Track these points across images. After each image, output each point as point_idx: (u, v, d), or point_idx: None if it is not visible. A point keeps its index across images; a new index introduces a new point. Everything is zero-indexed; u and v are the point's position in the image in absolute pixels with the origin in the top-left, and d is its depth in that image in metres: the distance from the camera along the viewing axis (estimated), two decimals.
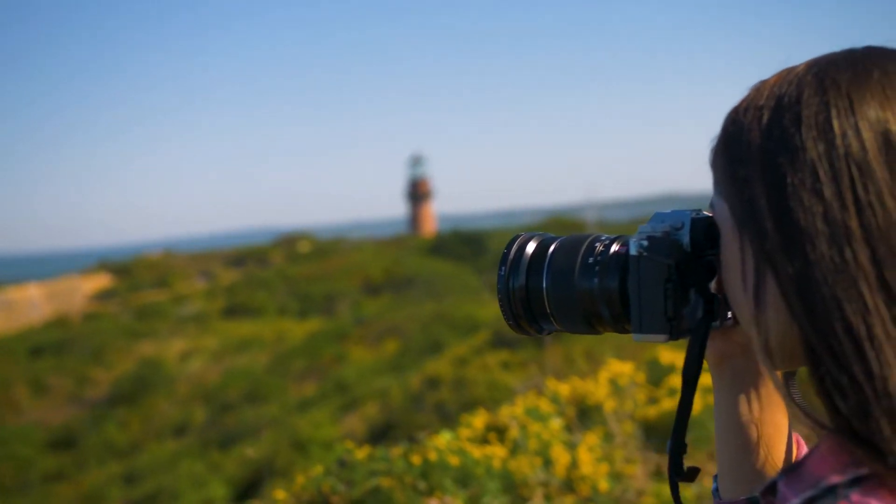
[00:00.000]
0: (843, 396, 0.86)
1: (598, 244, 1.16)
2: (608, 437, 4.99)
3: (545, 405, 4.90)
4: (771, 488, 0.93)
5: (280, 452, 17.00)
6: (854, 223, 0.87)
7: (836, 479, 0.84)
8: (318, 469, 3.92)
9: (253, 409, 21.97)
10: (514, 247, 1.22)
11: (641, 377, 5.67)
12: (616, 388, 5.39)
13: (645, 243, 1.08)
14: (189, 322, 31.71)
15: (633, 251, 1.09)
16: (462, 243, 43.93)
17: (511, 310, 1.21)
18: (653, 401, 5.55)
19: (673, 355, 6.15)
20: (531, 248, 1.21)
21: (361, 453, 3.92)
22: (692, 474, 1.11)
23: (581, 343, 15.54)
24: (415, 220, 62.82)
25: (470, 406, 15.74)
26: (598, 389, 5.32)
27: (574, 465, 4.36)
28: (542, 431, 4.54)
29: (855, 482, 0.84)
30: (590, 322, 1.16)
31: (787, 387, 1.22)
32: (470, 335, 23.70)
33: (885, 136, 0.88)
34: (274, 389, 23.48)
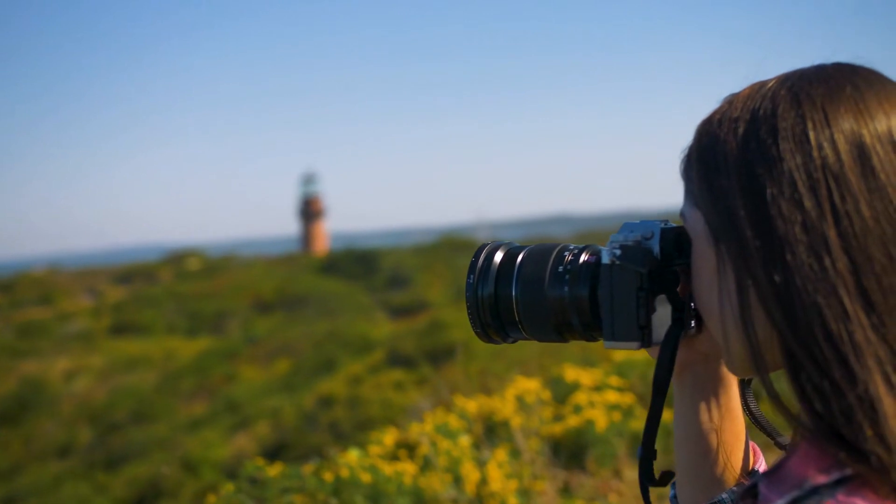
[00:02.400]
0: (825, 401, 0.88)
1: (567, 253, 1.17)
2: (515, 454, 5.02)
3: (454, 422, 4.92)
4: (751, 491, 0.94)
5: (169, 473, 16.63)
6: (832, 232, 0.89)
7: (821, 479, 0.86)
8: (228, 487, 3.85)
9: (140, 429, 21.49)
10: (482, 255, 1.22)
11: (547, 394, 5.73)
12: (523, 404, 5.43)
13: (618, 252, 1.09)
14: (74, 340, 30.87)
15: (605, 259, 1.11)
16: (355, 262, 43.81)
17: (479, 318, 1.21)
18: (558, 418, 5.60)
19: (577, 372, 6.23)
20: (499, 256, 1.22)
21: (273, 470, 3.87)
22: (665, 479, 1.12)
23: (477, 361, 15.62)
24: (307, 238, 62.39)
25: (365, 425, 15.67)
26: (504, 406, 5.35)
27: (484, 481, 4.38)
28: (452, 448, 4.55)
29: (840, 483, 0.86)
30: (559, 330, 1.17)
31: (743, 395, 1.25)
32: (364, 354, 23.62)
33: (859, 148, 0.91)
34: (162, 409, 23.02)
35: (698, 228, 1.03)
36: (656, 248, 1.09)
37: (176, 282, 39.97)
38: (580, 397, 5.66)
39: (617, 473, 5.23)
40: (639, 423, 5.52)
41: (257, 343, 29.52)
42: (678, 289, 1.09)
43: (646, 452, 1.12)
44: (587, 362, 8.09)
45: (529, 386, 5.55)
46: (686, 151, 1.05)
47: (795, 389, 0.92)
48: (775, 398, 0.95)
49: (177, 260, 46.13)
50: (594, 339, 1.18)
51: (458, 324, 22.84)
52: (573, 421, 5.38)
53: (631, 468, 5.28)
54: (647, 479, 1.12)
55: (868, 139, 0.91)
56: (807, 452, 0.89)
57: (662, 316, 1.10)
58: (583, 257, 1.16)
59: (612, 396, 5.66)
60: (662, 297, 1.09)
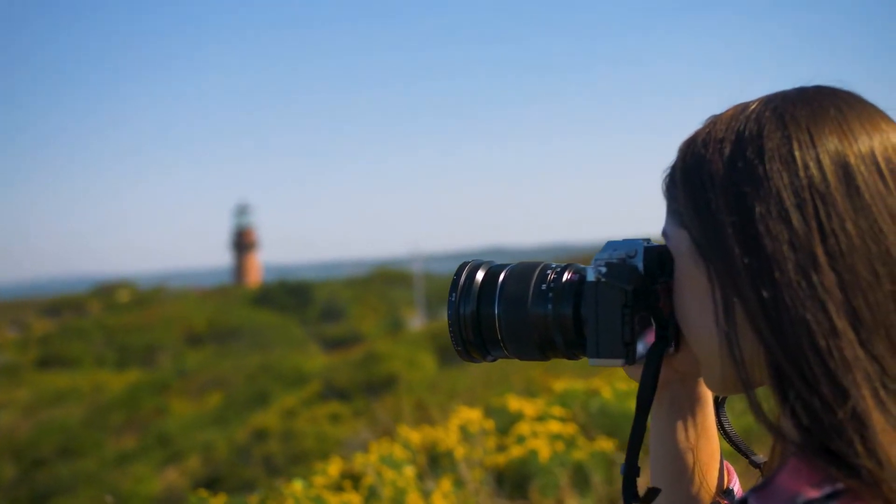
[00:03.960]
0: (815, 417, 0.89)
1: (549, 272, 1.18)
2: (459, 484, 5.01)
3: (399, 452, 4.89)
4: None
5: None
6: (820, 250, 0.91)
7: (813, 494, 0.87)
8: None
9: (67, 464, 21.01)
10: (464, 274, 1.22)
11: (491, 424, 5.73)
12: (466, 434, 5.43)
13: (603, 269, 1.10)
14: None
15: (590, 277, 1.11)
16: (288, 294, 43.52)
17: (461, 336, 1.21)
18: (502, 448, 5.60)
19: (519, 402, 6.24)
20: (480, 275, 1.22)
21: (217, 501, 3.81)
22: (650, 496, 1.12)
23: (414, 393, 15.57)
24: (239, 270, 61.87)
25: (299, 458, 15.54)
26: (448, 436, 5.34)
27: None
28: (396, 479, 4.53)
29: (831, 497, 0.87)
30: (542, 348, 1.17)
31: (717, 414, 1.26)
32: (298, 387, 23.42)
33: (844, 168, 0.93)
34: (90, 443, 22.54)
35: (682, 247, 1.04)
36: (640, 267, 1.10)
37: (105, 314, 39.34)
38: (523, 427, 5.67)
39: (560, 503, 5.24)
40: (581, 454, 5.54)
41: (188, 376, 29.14)
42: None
43: (629, 470, 1.12)
44: (529, 392, 8.12)
45: (472, 416, 5.55)
46: (669, 171, 1.07)
47: (783, 406, 0.93)
48: (762, 415, 0.96)
49: (106, 292, 45.45)
50: (576, 358, 1.19)
51: (394, 356, 22.79)
52: (516, 451, 5.39)
53: (573, 497, 5.29)
54: (632, 497, 1.12)
55: (852, 159, 0.94)
56: (797, 467, 0.90)
57: (646, 333, 1.11)
58: (566, 276, 1.17)
59: (554, 426, 5.68)
60: (646, 314, 1.10)
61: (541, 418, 5.96)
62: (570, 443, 5.68)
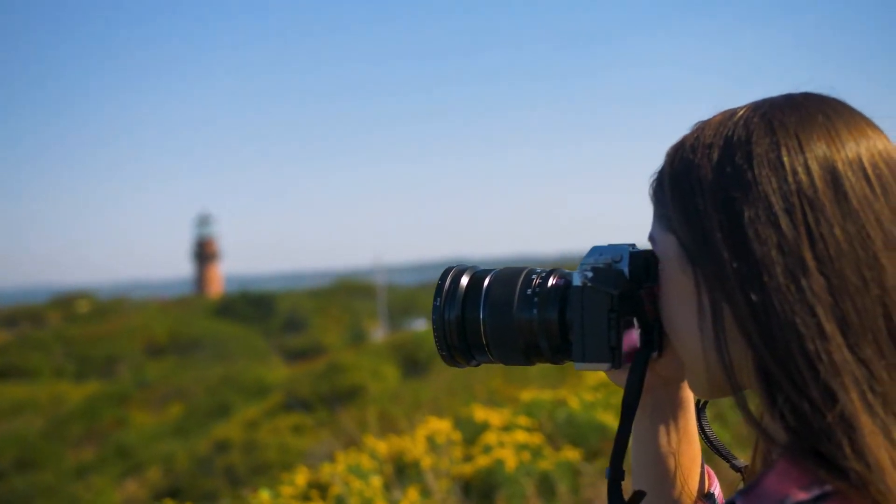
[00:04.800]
0: (804, 420, 0.89)
1: (534, 277, 1.18)
2: (426, 494, 5.00)
3: (366, 462, 4.87)
4: None
5: None
6: (808, 254, 0.92)
7: (802, 496, 0.87)
8: None
9: (25, 477, 20.74)
10: (449, 279, 1.22)
11: (457, 435, 5.72)
12: (433, 444, 5.42)
13: (590, 274, 1.10)
14: None
15: (577, 282, 1.11)
16: (250, 305, 43.32)
17: (445, 341, 1.21)
18: (468, 458, 5.60)
19: (486, 413, 6.25)
20: (465, 280, 1.21)
21: None
22: (636, 499, 1.12)
23: (377, 404, 15.54)
24: (201, 280, 61.53)
25: (261, 470, 15.46)
26: (415, 446, 5.33)
27: None
28: (364, 488, 4.51)
29: (820, 499, 0.87)
30: (527, 353, 1.17)
31: (699, 419, 1.27)
32: (259, 398, 23.31)
33: (832, 173, 0.94)
34: (49, 455, 22.28)
35: (670, 252, 1.04)
36: (626, 271, 1.10)
37: (64, 325, 38.93)
38: (489, 437, 5.67)
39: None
40: (547, 463, 5.55)
41: (149, 387, 28.92)
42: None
43: (614, 473, 1.12)
44: (493, 402, 8.12)
45: (440, 426, 5.54)
46: (657, 176, 1.07)
47: (771, 409, 0.94)
48: (752, 417, 0.96)
49: (65, 302, 44.98)
50: (561, 362, 1.19)
51: (357, 367, 22.74)
52: (483, 461, 5.39)
53: None
54: (617, 500, 1.12)
55: (840, 165, 0.95)
56: (785, 469, 0.91)
57: (632, 338, 1.11)
58: (551, 281, 1.17)
59: (521, 436, 5.69)
60: (632, 319, 1.11)
61: (507, 428, 5.97)
62: (537, 452, 5.69)
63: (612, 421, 6.06)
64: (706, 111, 1.09)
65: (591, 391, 6.74)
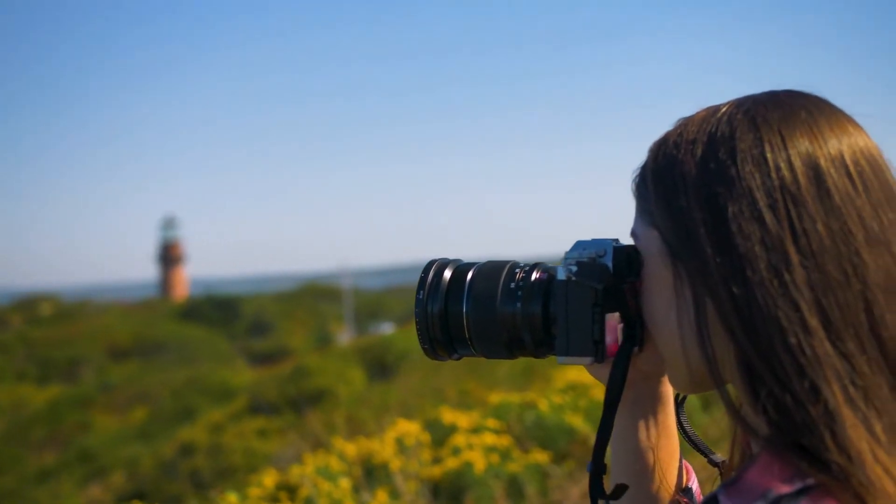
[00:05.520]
0: (786, 413, 0.90)
1: (518, 270, 1.18)
2: (395, 496, 4.99)
3: (335, 464, 4.86)
4: (710, 502, 0.96)
5: None
6: (791, 249, 0.92)
7: (784, 489, 0.88)
8: None
9: None
10: (432, 272, 1.22)
11: (427, 437, 5.72)
12: (402, 447, 5.41)
13: (574, 268, 1.11)
14: None
15: (561, 275, 1.12)
16: (215, 308, 43.12)
17: (428, 334, 1.21)
18: (437, 460, 5.60)
19: (454, 415, 6.25)
20: (448, 273, 1.21)
21: None
22: (618, 492, 1.13)
23: (342, 408, 15.49)
24: (166, 283, 61.13)
25: (227, 474, 15.36)
26: (384, 448, 5.33)
27: None
28: (333, 490, 4.50)
29: (802, 492, 0.88)
30: (510, 347, 1.18)
31: (677, 414, 1.27)
32: (225, 402, 23.17)
33: (815, 170, 0.95)
34: (10, 459, 22.03)
35: (653, 247, 1.05)
36: (610, 266, 1.11)
37: (27, 328, 38.54)
38: (458, 439, 5.67)
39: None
40: (516, 466, 5.56)
41: (113, 390, 28.68)
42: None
43: (596, 467, 1.13)
44: (461, 405, 8.12)
45: (409, 428, 5.54)
46: (639, 171, 1.08)
47: (753, 403, 0.94)
48: (735, 411, 0.97)
49: (28, 305, 44.54)
50: (544, 356, 1.19)
51: (323, 370, 22.66)
52: (452, 463, 5.39)
53: None
54: (599, 494, 1.12)
55: (823, 162, 0.96)
56: (767, 463, 0.91)
57: (615, 332, 1.12)
58: (535, 274, 1.17)
59: (489, 439, 5.70)
60: (616, 313, 1.11)
61: (476, 430, 5.98)
62: (505, 455, 5.70)
63: (580, 423, 6.08)
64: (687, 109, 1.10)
65: (560, 394, 6.76)
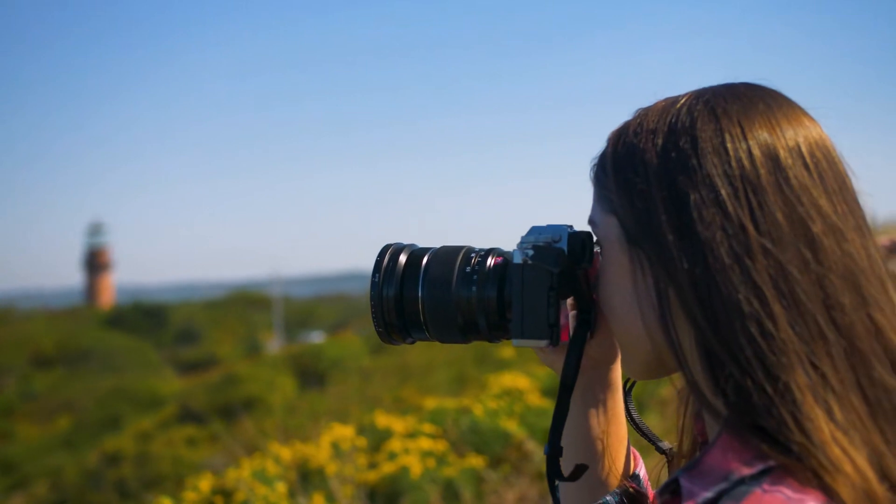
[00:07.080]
0: (747, 396, 0.92)
1: (473, 255, 1.19)
2: (331, 500, 4.97)
3: (272, 468, 4.83)
4: (669, 486, 0.97)
5: None
6: (752, 235, 0.95)
7: (746, 471, 0.90)
8: None
9: None
10: (387, 256, 1.22)
11: (363, 441, 5.71)
12: (338, 451, 5.39)
13: (530, 252, 1.12)
14: None
15: (517, 259, 1.13)
16: (142, 316, 42.54)
17: (383, 318, 1.21)
18: (373, 465, 5.59)
19: (389, 420, 6.24)
20: (403, 257, 1.22)
21: None
22: (576, 473, 1.14)
23: (273, 416, 15.38)
24: (91, 290, 60.10)
25: (154, 483, 15.16)
26: (319, 453, 5.30)
27: None
28: (269, 494, 4.47)
29: (763, 473, 0.90)
30: (464, 331, 1.19)
31: (625, 402, 1.29)
32: (152, 410, 22.87)
33: (774, 160, 0.98)
34: None
35: (612, 234, 1.06)
36: (565, 250, 1.13)
37: None
38: (394, 444, 5.67)
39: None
40: (452, 470, 5.58)
41: (36, 399, 28.17)
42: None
43: (553, 449, 1.14)
44: (398, 410, 8.11)
45: (344, 433, 5.52)
46: (599, 159, 1.10)
47: (713, 387, 0.96)
48: (700, 393, 0.98)
49: None
50: (498, 340, 1.21)
51: (253, 378, 22.50)
52: (388, 468, 5.38)
53: None
54: (556, 475, 1.14)
55: (781, 152, 0.99)
56: (727, 445, 0.93)
57: (569, 316, 1.14)
58: (490, 259, 1.19)
59: (425, 443, 5.70)
60: (570, 298, 1.13)
61: (412, 435, 5.98)
62: (441, 459, 5.71)
63: (515, 428, 6.12)
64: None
65: (495, 399, 6.80)
